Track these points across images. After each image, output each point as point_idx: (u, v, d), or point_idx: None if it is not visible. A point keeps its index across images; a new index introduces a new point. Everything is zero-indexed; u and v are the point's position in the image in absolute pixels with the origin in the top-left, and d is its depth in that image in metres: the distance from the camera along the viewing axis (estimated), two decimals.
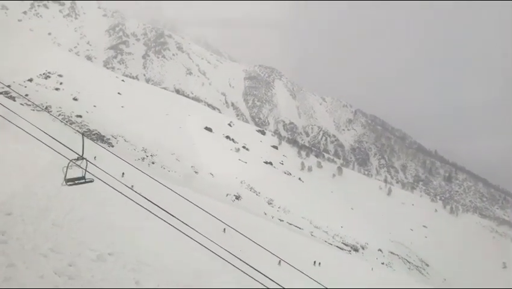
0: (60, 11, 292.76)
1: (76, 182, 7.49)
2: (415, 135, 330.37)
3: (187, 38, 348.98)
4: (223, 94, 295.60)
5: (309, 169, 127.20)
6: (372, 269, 55.49)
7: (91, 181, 7.57)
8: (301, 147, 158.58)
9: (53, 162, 18.11)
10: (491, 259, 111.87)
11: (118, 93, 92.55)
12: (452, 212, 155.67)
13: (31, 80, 74.92)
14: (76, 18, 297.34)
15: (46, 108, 64.38)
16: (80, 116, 67.29)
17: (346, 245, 73.28)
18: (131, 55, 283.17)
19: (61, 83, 79.29)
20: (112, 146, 61.85)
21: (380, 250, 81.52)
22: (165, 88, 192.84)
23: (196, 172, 70.93)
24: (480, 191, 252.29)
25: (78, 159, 7.15)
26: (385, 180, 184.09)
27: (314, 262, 37.24)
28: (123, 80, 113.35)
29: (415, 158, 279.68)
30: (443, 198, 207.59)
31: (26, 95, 63.34)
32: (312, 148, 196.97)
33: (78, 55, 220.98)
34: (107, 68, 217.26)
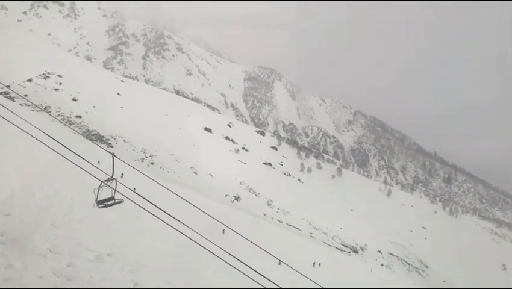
0: (60, 11, 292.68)
1: (107, 203, 7.41)
2: (414, 136, 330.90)
3: (186, 39, 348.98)
4: (223, 95, 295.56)
5: (309, 170, 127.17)
6: (371, 270, 55.44)
7: (121, 201, 7.49)
8: (300, 148, 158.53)
9: (53, 162, 18.10)
10: (491, 260, 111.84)
11: (118, 94, 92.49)
12: (451, 214, 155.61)
13: (30, 80, 74.86)
14: (75, 18, 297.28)
15: (45, 108, 64.33)
16: (79, 116, 67.25)
17: (345, 246, 73.23)
18: (130, 55, 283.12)
19: (60, 84, 79.23)
20: (112, 147, 61.80)
21: (379, 251, 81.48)
22: (165, 89, 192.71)
23: (195, 173, 70.89)
24: (480, 192, 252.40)
25: (108, 180, 7.07)
26: (385, 182, 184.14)
27: (314, 263, 37.19)
28: (122, 81, 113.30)
29: (414, 159, 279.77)
30: (442, 199, 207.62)
31: (26, 95, 63.31)
32: (312, 149, 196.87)
33: (78, 56, 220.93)
34: (107, 68, 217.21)
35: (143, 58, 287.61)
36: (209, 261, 12.39)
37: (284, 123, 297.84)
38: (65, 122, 61.37)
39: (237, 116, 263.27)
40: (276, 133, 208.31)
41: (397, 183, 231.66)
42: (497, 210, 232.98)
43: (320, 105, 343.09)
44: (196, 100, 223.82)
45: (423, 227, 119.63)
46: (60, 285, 9.70)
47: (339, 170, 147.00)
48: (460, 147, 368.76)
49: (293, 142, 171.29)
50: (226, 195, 66.31)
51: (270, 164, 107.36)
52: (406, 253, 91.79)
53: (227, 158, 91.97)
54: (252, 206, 66.58)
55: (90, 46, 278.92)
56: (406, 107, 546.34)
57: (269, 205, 75.71)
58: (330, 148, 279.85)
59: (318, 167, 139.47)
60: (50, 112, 63.51)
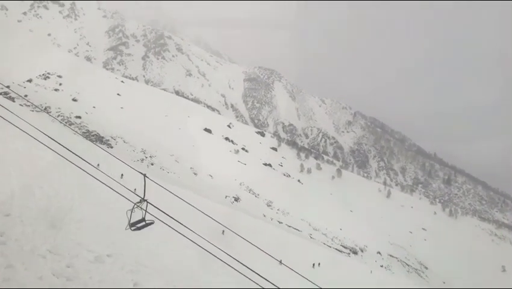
0: (60, 12, 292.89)
1: (139, 225, 7.36)
2: (414, 137, 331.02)
3: (186, 40, 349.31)
4: (223, 95, 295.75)
5: (309, 171, 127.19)
6: (371, 271, 55.44)
7: (151, 223, 7.45)
8: (300, 149, 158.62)
9: (52, 162, 18.12)
10: (490, 262, 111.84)
11: (118, 94, 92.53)
12: (451, 215, 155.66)
13: (30, 81, 74.89)
14: (75, 19, 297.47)
15: (45, 108, 64.34)
16: (79, 117, 67.25)
17: (345, 247, 73.20)
18: (130, 56, 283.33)
19: (60, 84, 79.28)
20: (112, 147, 61.80)
21: (379, 252, 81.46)
22: (164, 90, 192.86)
23: (195, 173, 70.89)
24: (480, 194, 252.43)
25: (140, 201, 7.05)
26: (385, 183, 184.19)
27: (313, 264, 37.20)
28: (122, 82, 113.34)
29: (414, 160, 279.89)
30: (442, 201, 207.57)
31: (26, 96, 63.31)
32: (312, 150, 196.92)
33: (78, 56, 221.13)
34: (107, 69, 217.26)
35: (143, 58, 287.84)
36: (208, 261, 12.39)
37: (283, 123, 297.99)
38: (65, 122, 61.38)
39: (236, 117, 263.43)
40: (275, 134, 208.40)
41: (396, 185, 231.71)
42: (496, 211, 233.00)
43: (320, 106, 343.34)
44: (196, 100, 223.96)
45: (423, 229, 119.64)
46: (60, 286, 9.70)
47: (339, 171, 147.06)
48: (460, 148, 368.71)
49: (292, 143, 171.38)
50: (226, 196, 66.31)
51: (269, 165, 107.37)
52: (405, 254, 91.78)
53: (227, 158, 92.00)
54: (252, 207, 66.59)
55: (90, 46, 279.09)
56: (406, 108, 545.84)
57: (269, 205, 75.70)
58: (330, 149, 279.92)
59: (318, 168, 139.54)
60: (50, 112, 63.51)
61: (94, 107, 74.46)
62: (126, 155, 60.65)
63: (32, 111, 52.97)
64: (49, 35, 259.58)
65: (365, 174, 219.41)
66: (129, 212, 6.98)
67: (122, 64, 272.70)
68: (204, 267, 15.39)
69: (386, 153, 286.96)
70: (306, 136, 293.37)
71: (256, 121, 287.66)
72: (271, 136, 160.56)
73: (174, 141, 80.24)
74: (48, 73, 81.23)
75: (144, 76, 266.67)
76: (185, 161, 73.39)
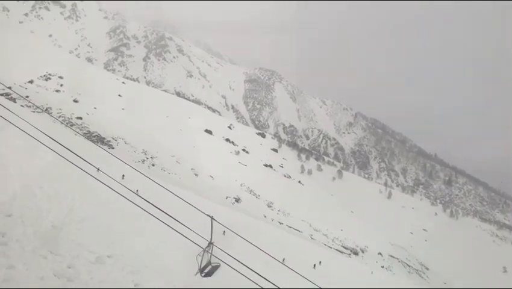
0: (61, 13, 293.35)
1: (207, 271, 7.28)
2: (415, 138, 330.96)
3: (187, 41, 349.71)
4: (223, 96, 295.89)
5: (309, 172, 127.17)
6: (372, 272, 55.36)
7: (217, 266, 7.39)
8: (301, 150, 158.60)
9: (53, 163, 18.14)
10: (492, 263, 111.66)
11: (119, 95, 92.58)
12: (452, 216, 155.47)
13: (31, 82, 74.96)
14: (77, 20, 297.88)
15: (46, 109, 64.38)
16: (80, 118, 67.29)
17: (346, 248, 73.13)
18: (131, 57, 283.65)
19: (61, 85, 79.34)
20: (113, 148, 61.82)
21: (380, 253, 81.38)
22: (165, 91, 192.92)
23: (196, 174, 70.90)
24: (481, 194, 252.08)
25: (208, 245, 7.04)
26: (385, 184, 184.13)
27: (314, 265, 37.14)
28: (123, 83, 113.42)
29: (415, 161, 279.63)
30: (443, 201, 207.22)
31: (27, 97, 63.36)
32: (312, 151, 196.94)
33: (79, 57, 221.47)
34: (108, 70, 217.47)
35: (144, 59, 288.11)
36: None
37: (284, 125, 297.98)
38: (66, 123, 61.43)
39: (237, 118, 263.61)
40: (276, 136, 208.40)
41: (397, 186, 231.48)
42: (497, 212, 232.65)
43: (320, 107, 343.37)
44: (197, 102, 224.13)
45: (424, 229, 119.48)
46: (61, 286, 9.74)
47: (339, 172, 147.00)
48: (461, 149, 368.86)
49: (293, 145, 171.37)
50: (227, 197, 66.26)
51: (270, 166, 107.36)
52: (406, 255, 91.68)
53: (228, 159, 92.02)
54: (253, 208, 66.55)
55: (91, 47, 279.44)
56: (406, 109, 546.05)
57: (269, 206, 75.67)
58: (330, 150, 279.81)
59: (319, 169, 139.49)
60: (51, 113, 63.55)
61: (95, 108, 74.51)
62: (128, 155, 60.66)
63: (34, 111, 53.03)
64: (50, 36, 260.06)
65: (366, 176, 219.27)
66: (199, 258, 6.91)
67: (123, 65, 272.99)
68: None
69: (387, 154, 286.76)
70: (307, 138, 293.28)
71: (256, 122, 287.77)
72: (272, 138, 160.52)
73: (175, 142, 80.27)
74: (49, 74, 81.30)
75: (145, 77, 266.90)
76: (186, 162, 73.42)
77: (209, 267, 7.20)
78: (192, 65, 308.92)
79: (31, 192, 15.35)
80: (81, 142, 41.96)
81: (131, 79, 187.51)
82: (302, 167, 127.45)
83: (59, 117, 63.73)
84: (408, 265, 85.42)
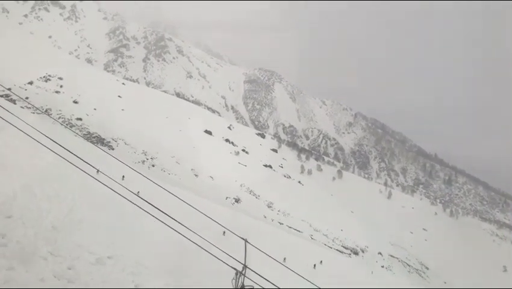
0: (61, 14, 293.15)
1: None
2: (415, 138, 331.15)
3: (187, 42, 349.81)
4: (223, 97, 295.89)
5: (309, 172, 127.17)
6: (372, 272, 55.45)
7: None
8: (301, 150, 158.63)
9: (53, 163, 18.15)
10: (492, 262, 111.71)
11: (119, 96, 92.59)
12: (452, 215, 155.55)
13: (31, 83, 74.96)
14: (76, 21, 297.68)
15: (46, 110, 64.38)
16: (80, 119, 67.29)
17: (346, 248, 73.14)
18: (131, 58, 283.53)
19: (61, 86, 79.34)
20: (113, 149, 61.83)
21: (380, 253, 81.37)
22: (165, 92, 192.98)
23: (195, 175, 70.91)
24: (481, 194, 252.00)
25: (243, 269, 6.96)
26: (385, 184, 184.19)
27: (314, 265, 37.18)
28: (123, 84, 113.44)
29: (415, 161, 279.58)
30: (443, 201, 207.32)
31: (27, 98, 63.34)
32: (312, 151, 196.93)
33: (78, 58, 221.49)
34: (107, 71, 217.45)
35: (144, 60, 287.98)
36: (209, 262, 12.42)
37: (284, 125, 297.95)
38: (66, 124, 61.44)
39: (237, 118, 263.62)
40: (276, 136, 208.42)
41: (397, 185, 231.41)
42: (497, 212, 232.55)
43: (320, 107, 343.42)
44: (197, 102, 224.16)
45: (424, 229, 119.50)
46: (61, 287, 9.75)
47: (339, 172, 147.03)
48: (460, 148, 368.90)
49: (293, 145, 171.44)
50: (227, 198, 66.25)
51: (270, 166, 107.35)
52: (406, 254, 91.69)
53: (228, 160, 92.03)
54: (253, 208, 66.54)
55: (90, 48, 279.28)
56: (406, 108, 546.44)
57: (269, 207, 75.66)
58: (330, 150, 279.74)
59: (319, 169, 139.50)
60: (51, 114, 63.55)
61: (95, 109, 74.50)
62: (128, 156, 60.69)
63: (33, 113, 53.03)
64: (50, 37, 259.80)
65: (366, 175, 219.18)
66: (234, 281, 6.79)
67: (123, 66, 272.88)
68: (205, 268, 15.40)
69: (387, 154, 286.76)
70: (307, 138, 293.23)
71: (256, 122, 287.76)
72: (272, 138, 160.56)
73: (175, 142, 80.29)
74: (49, 76, 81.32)
75: (145, 78, 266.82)
76: (186, 162, 73.43)
77: None
78: (192, 66, 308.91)
79: (31, 193, 15.36)
80: (81, 143, 41.96)
81: (130, 80, 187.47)
82: (302, 167, 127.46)
83: (59, 118, 63.72)
84: (408, 264, 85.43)
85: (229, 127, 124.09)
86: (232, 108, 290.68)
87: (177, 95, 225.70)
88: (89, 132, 64.14)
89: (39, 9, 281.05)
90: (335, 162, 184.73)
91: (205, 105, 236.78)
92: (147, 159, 65.62)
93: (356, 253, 73.71)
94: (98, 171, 16.54)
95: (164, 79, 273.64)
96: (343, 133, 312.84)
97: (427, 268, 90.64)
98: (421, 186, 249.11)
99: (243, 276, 6.93)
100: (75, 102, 74.79)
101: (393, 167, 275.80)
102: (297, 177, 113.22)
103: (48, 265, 10.45)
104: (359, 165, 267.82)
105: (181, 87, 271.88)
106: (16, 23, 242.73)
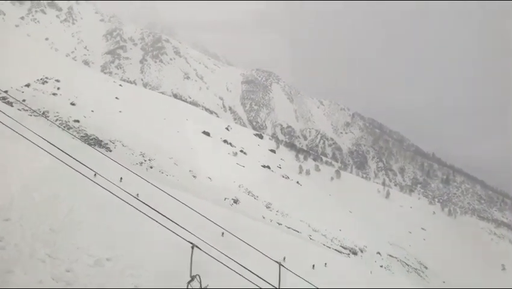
0: (57, 16, 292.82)
1: None
2: (413, 137, 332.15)
3: (184, 43, 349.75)
4: (221, 98, 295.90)
5: (307, 172, 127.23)
6: (371, 272, 55.50)
7: None
8: (299, 151, 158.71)
9: (51, 166, 18.11)
10: (490, 261, 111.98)
11: (116, 98, 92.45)
12: (450, 215, 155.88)
13: (28, 85, 74.74)
14: (73, 23, 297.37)
15: (43, 113, 64.21)
16: (77, 121, 67.14)
17: (345, 248, 73.15)
18: (128, 59, 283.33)
19: (58, 89, 79.14)
20: (110, 151, 61.70)
21: (379, 252, 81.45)
22: (163, 93, 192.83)
23: (194, 176, 70.82)
24: (478, 193, 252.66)
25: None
26: (383, 183, 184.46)
27: (313, 265, 37.17)
28: (120, 85, 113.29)
29: (413, 160, 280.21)
30: (441, 200, 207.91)
31: (24, 100, 63.17)
32: (310, 151, 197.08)
33: (75, 60, 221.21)
34: (105, 73, 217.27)
35: (141, 62, 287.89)
36: (208, 264, 12.41)
37: (282, 125, 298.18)
38: (64, 127, 61.31)
39: (234, 119, 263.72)
40: (274, 136, 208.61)
41: (395, 185, 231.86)
42: (495, 210, 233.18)
43: (318, 108, 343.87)
44: (194, 103, 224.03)
45: (422, 228, 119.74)
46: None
47: (337, 172, 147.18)
48: (458, 148, 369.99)
49: (291, 145, 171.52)
50: (225, 198, 66.18)
51: (268, 167, 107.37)
52: (405, 254, 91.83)
53: (226, 161, 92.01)
54: (251, 209, 66.49)
55: (87, 50, 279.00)
56: (404, 108, 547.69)
57: (268, 207, 75.63)
58: (328, 150, 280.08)
59: (317, 169, 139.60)
60: (48, 117, 63.38)
61: (92, 111, 74.35)
62: (125, 158, 60.57)
63: (31, 115, 52.91)
64: (47, 39, 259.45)
65: (364, 175, 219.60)
66: None
67: (120, 67, 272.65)
68: (204, 270, 15.38)
69: (384, 153, 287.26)
70: (305, 138, 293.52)
71: (254, 123, 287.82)
72: (270, 139, 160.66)
73: (173, 144, 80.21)
74: (46, 78, 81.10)
75: (142, 80, 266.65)
76: (184, 163, 73.32)
77: None
78: (189, 67, 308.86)
79: (29, 195, 15.33)
80: (79, 145, 41.89)
81: (128, 82, 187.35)
82: (300, 167, 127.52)
83: (57, 120, 63.58)
84: (406, 264, 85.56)
85: (227, 128, 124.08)
86: (230, 108, 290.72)
87: (175, 96, 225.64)
88: (86, 134, 64.00)
89: (36, 11, 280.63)
90: (333, 162, 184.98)
91: (202, 106, 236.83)
92: (145, 160, 65.50)
93: (355, 253, 73.76)
94: (96, 174, 16.52)
95: (162, 81, 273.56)
96: (341, 133, 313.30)
97: (426, 268, 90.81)
98: (419, 185, 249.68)
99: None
100: (72, 104, 74.64)
101: (391, 166, 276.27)
102: (295, 178, 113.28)
103: (46, 268, 10.43)
104: (357, 165, 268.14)
105: (178, 88, 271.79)
106: (13, 26, 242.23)
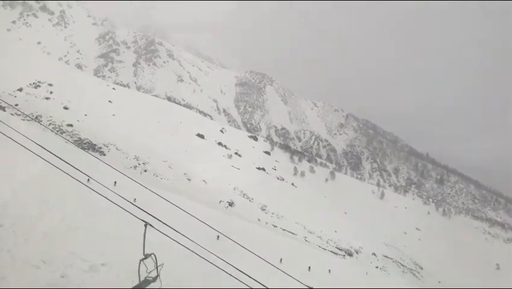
0: (49, 20, 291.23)
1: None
2: (406, 138, 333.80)
3: (177, 46, 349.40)
4: (215, 100, 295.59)
5: (302, 174, 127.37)
6: (366, 273, 55.59)
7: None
8: (293, 152, 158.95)
9: (44, 171, 17.98)
10: (485, 260, 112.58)
11: (109, 101, 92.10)
12: (444, 215, 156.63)
13: (20, 89, 74.28)
14: (65, 27, 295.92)
15: (36, 117, 63.82)
16: (71, 125, 66.79)
17: (340, 249, 73.23)
18: (121, 63, 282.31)
19: (51, 93, 78.72)
20: (104, 155, 61.41)
21: (374, 253, 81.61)
22: (156, 96, 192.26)
23: (188, 179, 70.62)
24: (472, 192, 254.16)
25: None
26: (378, 184, 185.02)
27: (309, 267, 37.17)
28: (114, 89, 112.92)
29: (407, 161, 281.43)
30: (435, 200, 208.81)
31: (16, 105, 62.75)
32: (305, 153, 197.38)
33: (68, 64, 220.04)
34: (98, 76, 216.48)
35: (134, 65, 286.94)
36: (203, 267, 12.36)
37: (276, 127, 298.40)
38: (57, 131, 60.95)
39: (229, 121, 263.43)
40: (268, 138, 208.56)
41: (390, 186, 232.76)
42: (489, 210, 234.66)
43: (312, 109, 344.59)
44: (188, 106, 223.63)
45: (417, 229, 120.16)
46: None
47: (332, 174, 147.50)
48: (452, 148, 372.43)
49: (285, 147, 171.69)
50: (220, 201, 66.07)
51: (263, 169, 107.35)
52: (400, 254, 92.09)
53: (221, 163, 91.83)
54: (246, 211, 66.41)
55: (80, 54, 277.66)
56: (398, 109, 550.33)
57: (263, 210, 75.55)
58: (323, 152, 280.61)
59: (312, 170, 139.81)
60: (41, 121, 63.02)
61: (85, 115, 74.01)
62: (119, 162, 60.30)
63: (23, 120, 52.58)
64: (39, 43, 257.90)
65: (359, 176, 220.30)
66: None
67: (113, 71, 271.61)
68: (199, 273, 15.33)
69: (379, 154, 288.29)
70: (299, 140, 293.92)
71: (248, 125, 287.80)
72: (264, 140, 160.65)
73: (167, 147, 79.95)
74: (39, 82, 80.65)
75: (135, 83, 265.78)
76: (179, 166, 73.09)
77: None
78: (183, 70, 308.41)
79: (22, 201, 15.20)
80: (72, 149, 41.64)
81: (121, 85, 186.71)
82: (295, 169, 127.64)
83: (50, 124, 63.19)
84: (402, 264, 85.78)
85: (221, 131, 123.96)
86: (224, 111, 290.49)
87: (169, 99, 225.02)
88: (80, 138, 63.65)
89: (27, 15, 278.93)
90: (328, 164, 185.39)
91: (196, 109, 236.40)
92: (140, 164, 65.24)
93: (350, 254, 73.85)
94: (89, 179, 16.43)
95: (155, 84, 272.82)
96: (335, 134, 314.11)
97: (421, 268, 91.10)
98: (413, 186, 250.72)
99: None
100: (65, 108, 74.24)
101: (385, 167, 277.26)
102: (290, 180, 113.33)
103: (40, 274, 10.33)
104: (351, 166, 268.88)
105: (172, 91, 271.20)
106: (4, 30, 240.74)
